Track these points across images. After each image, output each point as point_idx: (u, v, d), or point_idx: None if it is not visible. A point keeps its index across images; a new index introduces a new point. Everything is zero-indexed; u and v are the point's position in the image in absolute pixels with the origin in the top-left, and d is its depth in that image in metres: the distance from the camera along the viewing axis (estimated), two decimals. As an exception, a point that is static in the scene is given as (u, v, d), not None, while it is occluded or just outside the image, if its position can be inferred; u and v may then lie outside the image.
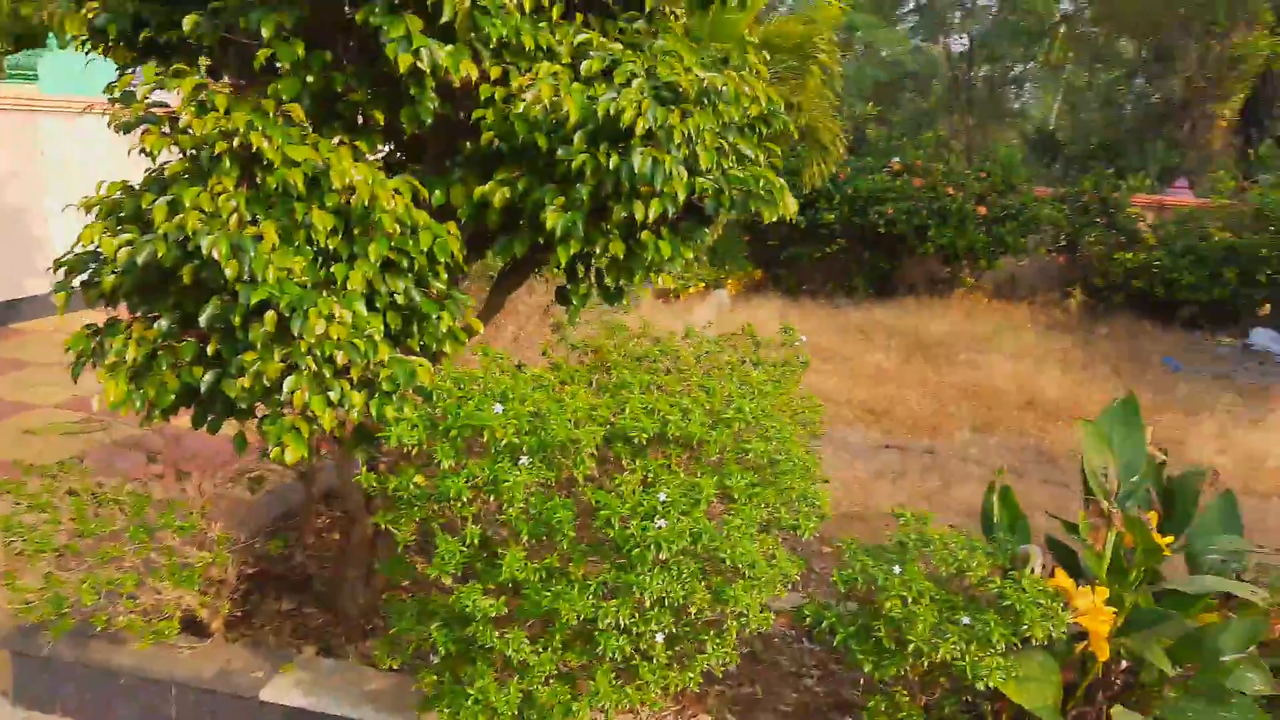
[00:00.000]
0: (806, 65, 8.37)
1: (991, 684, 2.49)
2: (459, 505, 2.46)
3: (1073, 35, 20.39)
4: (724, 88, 2.60)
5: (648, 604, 2.35)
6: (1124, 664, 2.68)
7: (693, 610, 2.40)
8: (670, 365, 3.11)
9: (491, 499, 2.51)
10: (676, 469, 2.55)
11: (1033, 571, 2.64)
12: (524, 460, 2.50)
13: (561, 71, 2.57)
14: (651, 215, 2.59)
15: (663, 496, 2.39)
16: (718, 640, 2.55)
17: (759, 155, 2.84)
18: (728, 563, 2.36)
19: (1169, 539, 2.69)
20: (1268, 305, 10.61)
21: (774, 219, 2.74)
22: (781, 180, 2.73)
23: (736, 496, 2.51)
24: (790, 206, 2.73)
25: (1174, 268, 10.64)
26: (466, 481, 2.45)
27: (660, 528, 2.31)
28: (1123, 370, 8.18)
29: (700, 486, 2.45)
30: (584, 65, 2.62)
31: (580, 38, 2.70)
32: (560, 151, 2.58)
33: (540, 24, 2.64)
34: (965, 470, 5.35)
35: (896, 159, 12.10)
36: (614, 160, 2.52)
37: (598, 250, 2.77)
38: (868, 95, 17.50)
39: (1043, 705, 2.57)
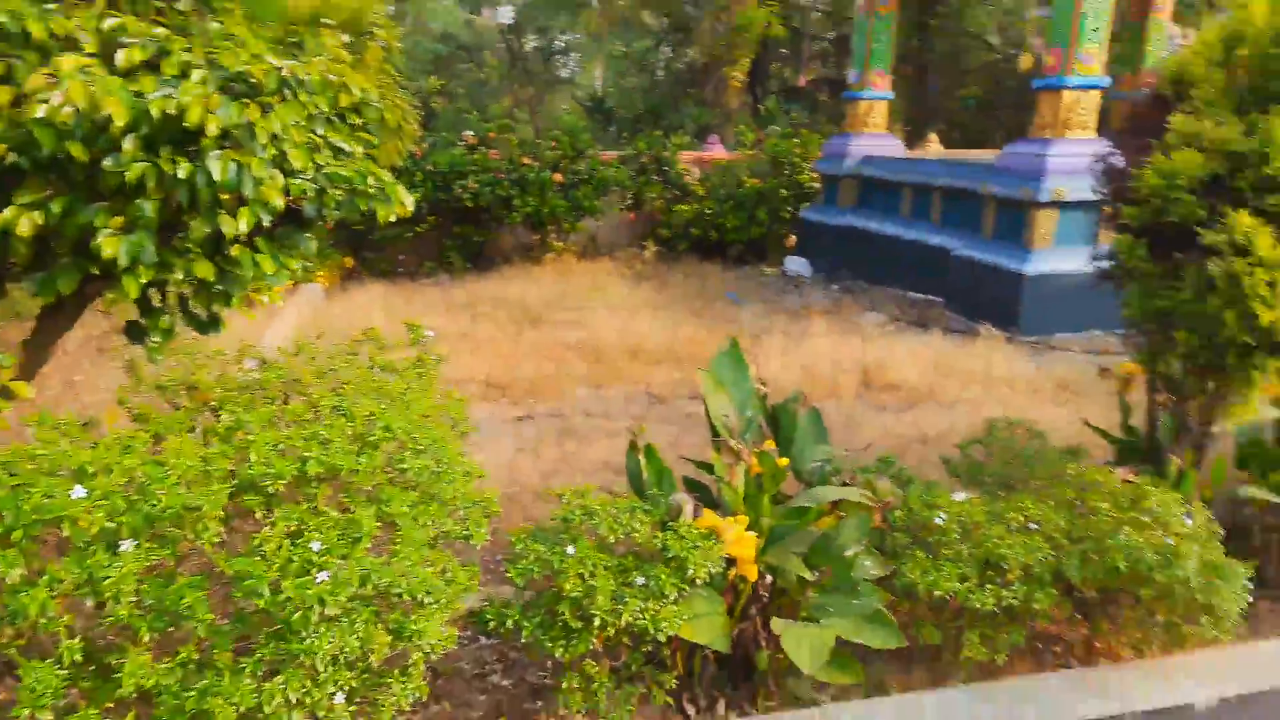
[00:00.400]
0: (363, 42, 8.00)
1: (671, 631, 2.65)
2: (45, 623, 1.95)
3: (606, 7, 22.10)
4: (307, 76, 2.32)
5: (320, 667, 2.08)
6: (768, 579, 3.01)
7: (373, 658, 2.19)
8: (289, 391, 2.76)
9: (90, 601, 2.03)
10: (325, 509, 2.28)
11: (686, 518, 2.84)
12: (126, 545, 2.05)
13: (94, 65, 2.08)
14: (243, 227, 2.24)
15: (316, 546, 2.13)
16: (404, 678, 2.36)
17: (356, 148, 2.60)
18: (405, 596, 2.18)
19: (784, 461, 3.07)
20: (793, 237, 12.66)
21: (390, 218, 2.53)
22: (389, 175, 2.52)
23: (400, 522, 2.32)
24: (407, 202, 2.55)
25: (720, 214, 12.20)
26: (50, 592, 1.94)
27: (322, 581, 2.06)
28: (698, 309, 9.20)
29: (358, 522, 2.22)
30: (121, 56, 2.14)
31: (110, 23, 2.20)
32: (108, 162, 2.10)
33: (50, 6, 2.11)
34: (594, 426, 5.62)
35: (470, 132, 12.18)
36: (184, 168, 2.12)
37: (179, 274, 2.33)
38: (428, 69, 17.31)
39: (713, 636, 2.80)
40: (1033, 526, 3.04)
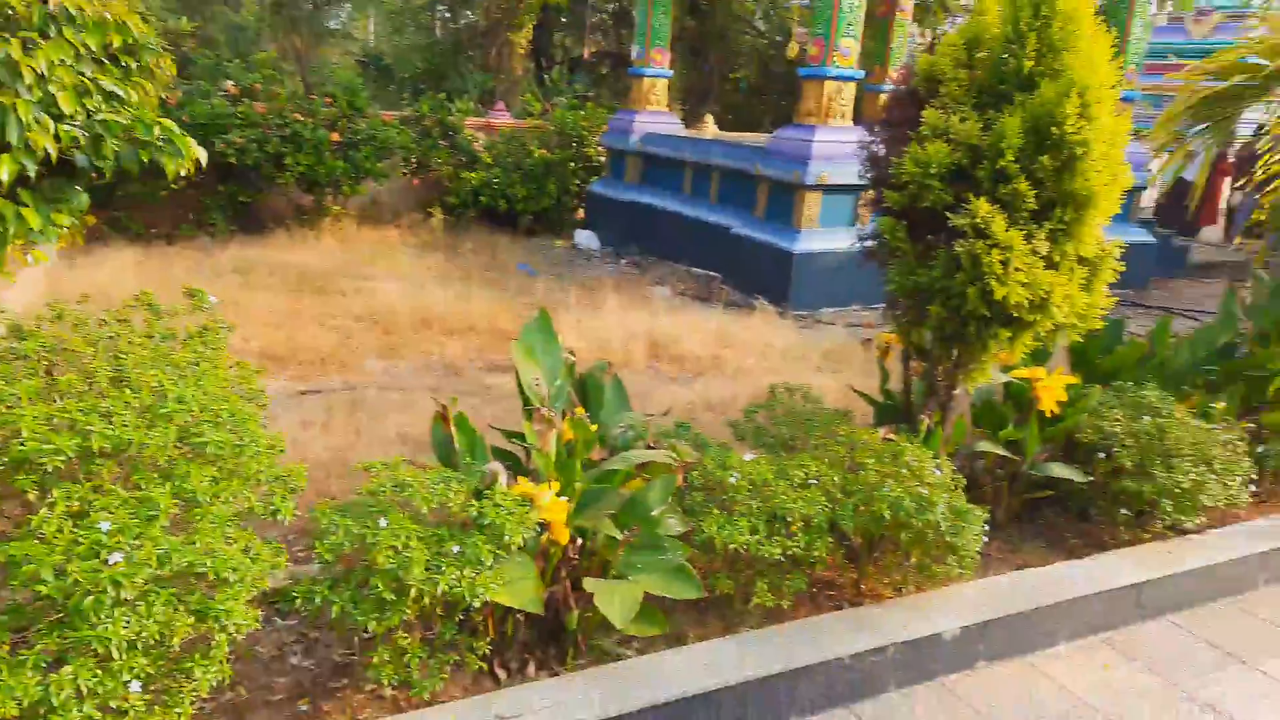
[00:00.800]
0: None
1: (488, 597, 2.68)
2: None
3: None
4: (79, 12, 2.06)
5: (115, 655, 1.93)
6: (579, 541, 3.11)
7: (174, 641, 2.05)
8: (56, 360, 2.48)
9: None
10: (112, 488, 2.09)
11: (501, 486, 2.87)
12: None
13: None
14: (4, 177, 1.98)
15: (105, 526, 1.95)
16: (205, 662, 2.23)
17: (130, 94, 2.35)
18: (210, 575, 2.05)
19: (595, 427, 3.17)
20: (581, 210, 12.81)
21: (181, 172, 2.32)
22: (173, 124, 2.31)
23: (200, 497, 2.17)
24: (199, 154, 2.34)
25: (509, 183, 12.09)
26: None
27: (115, 563, 1.89)
28: (491, 280, 9.12)
29: (152, 500, 2.06)
30: None
31: None
32: None
33: None
34: (387, 400, 5.46)
35: (231, 82, 11.21)
36: (-72, 105, 1.83)
37: (-81, 227, 2.02)
38: (177, 9, 15.65)
39: (527, 599, 2.86)
40: (812, 482, 3.34)
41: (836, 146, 8.77)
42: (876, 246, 4.20)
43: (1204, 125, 5.83)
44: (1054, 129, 3.45)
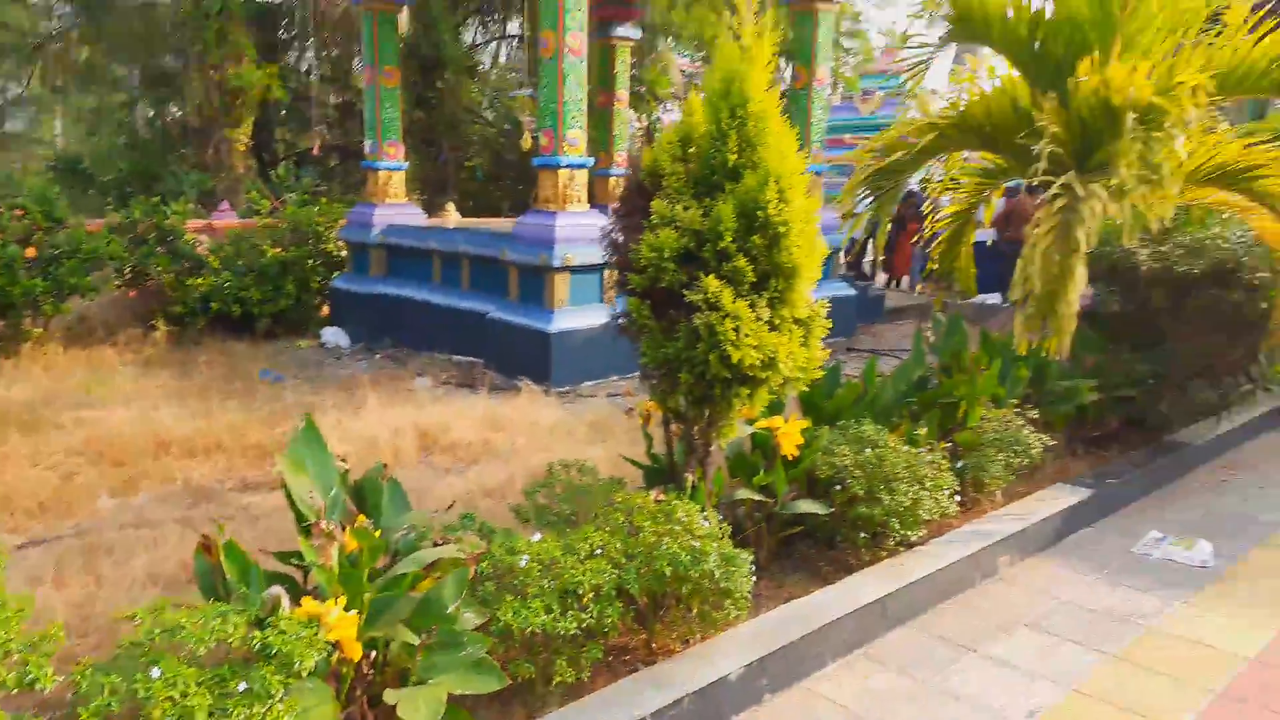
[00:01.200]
0: None
1: (282, 733, 2.56)
2: None
3: (64, 55, 19.39)
4: None
5: None
6: (373, 655, 3.05)
7: None
8: None
9: None
10: None
11: (284, 610, 2.77)
12: None
13: None
14: None
15: None
16: None
17: None
18: (-40, 771, 1.83)
19: (378, 533, 3.15)
20: (326, 307, 12.38)
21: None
22: None
23: (-62, 686, 1.94)
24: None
25: (242, 286, 11.46)
26: None
27: None
28: (232, 391, 8.56)
29: (-122, 698, 1.81)
30: None
31: None
32: None
33: None
34: (131, 538, 4.96)
35: (-110, 199, 9.81)
36: None
37: None
38: None
39: (324, 726, 2.76)
40: (598, 552, 3.51)
41: (577, 229, 9.26)
42: (627, 324, 4.54)
43: (874, 196, 6.85)
44: (759, 212, 3.97)
